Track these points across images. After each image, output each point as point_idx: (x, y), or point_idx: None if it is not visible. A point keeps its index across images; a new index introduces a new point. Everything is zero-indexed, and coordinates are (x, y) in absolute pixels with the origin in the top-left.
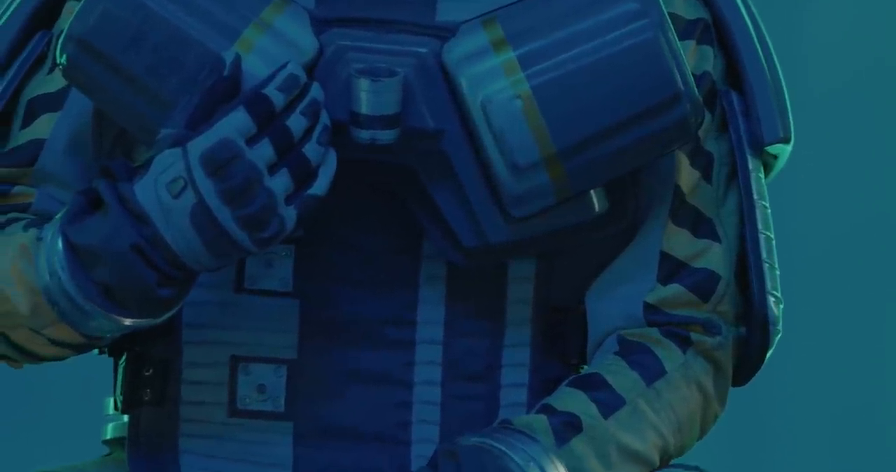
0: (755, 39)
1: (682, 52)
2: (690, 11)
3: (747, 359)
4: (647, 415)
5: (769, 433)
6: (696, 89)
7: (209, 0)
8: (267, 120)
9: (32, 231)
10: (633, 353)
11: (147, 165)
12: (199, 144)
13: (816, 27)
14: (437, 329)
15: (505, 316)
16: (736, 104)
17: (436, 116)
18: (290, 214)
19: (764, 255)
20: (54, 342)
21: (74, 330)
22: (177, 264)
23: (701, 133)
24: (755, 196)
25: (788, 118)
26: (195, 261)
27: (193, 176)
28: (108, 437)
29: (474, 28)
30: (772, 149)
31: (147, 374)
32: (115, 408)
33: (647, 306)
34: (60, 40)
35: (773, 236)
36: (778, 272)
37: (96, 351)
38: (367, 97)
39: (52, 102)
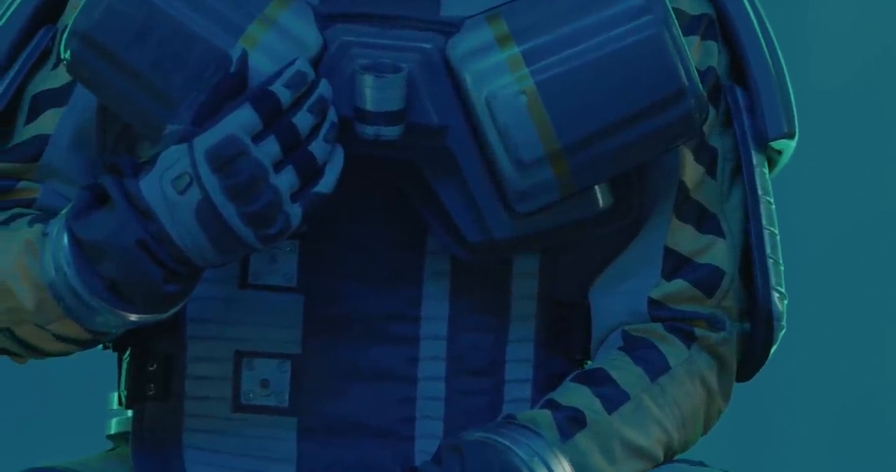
0: (759, 35)
1: (686, 47)
2: (695, 7)
3: (751, 355)
4: (651, 410)
5: (773, 428)
6: (700, 85)
7: None
8: (273, 117)
9: (38, 226)
10: (638, 348)
11: (153, 160)
12: (205, 141)
13: (820, 23)
14: (440, 325)
15: (509, 312)
16: (740, 100)
17: (440, 112)
18: (295, 211)
19: (768, 250)
20: (59, 338)
21: (80, 326)
22: (182, 260)
23: (705, 129)
24: (759, 192)
25: (793, 114)
26: (200, 257)
27: (199, 172)
28: (113, 432)
29: (479, 24)
30: (776, 144)
31: (151, 369)
32: (120, 403)
33: (652, 302)
34: (65, 36)
35: (777, 231)
36: (782, 268)
37: (100, 346)
38: (371, 93)
39: (56, 98)
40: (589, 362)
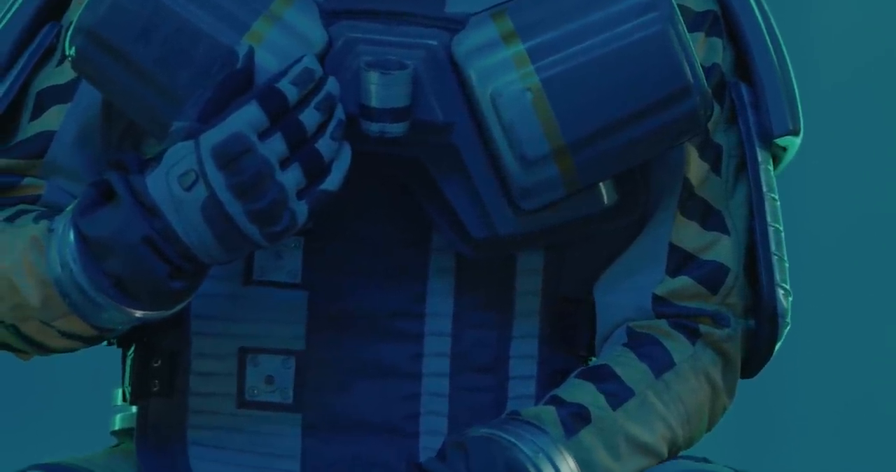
0: (764, 31)
1: (691, 44)
2: (699, 3)
3: (756, 351)
4: (656, 407)
5: (777, 425)
6: (705, 82)
7: None
8: (279, 114)
9: (43, 223)
10: (642, 345)
11: (159, 157)
12: (211, 138)
13: (825, 19)
14: (445, 321)
15: (513, 308)
16: (745, 96)
17: (445, 109)
18: (301, 208)
19: (773, 247)
20: (64, 334)
21: (85, 322)
22: (188, 257)
23: (710, 125)
24: (764, 188)
25: (797, 110)
26: (206, 254)
27: (205, 169)
28: (117, 428)
29: (484, 20)
30: (781, 141)
31: (156, 365)
32: (124, 399)
33: (656, 298)
34: (70, 32)
35: (782, 228)
36: (787, 265)
37: (105, 342)
38: (376, 90)
39: (61, 94)
40: (593, 359)
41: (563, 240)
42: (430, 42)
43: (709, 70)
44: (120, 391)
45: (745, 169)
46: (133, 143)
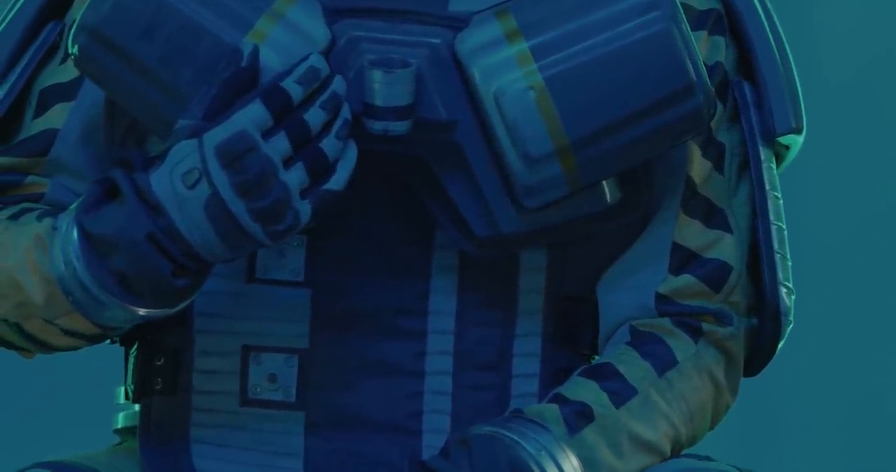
0: (767, 30)
1: (694, 42)
2: (702, 2)
3: (759, 350)
4: (659, 405)
5: (780, 423)
6: (708, 80)
7: None
8: (284, 113)
9: (47, 221)
10: (645, 343)
11: (163, 155)
12: (215, 136)
13: (828, 18)
14: (448, 319)
15: (516, 306)
16: (748, 95)
17: (449, 107)
18: (304, 207)
19: (776, 245)
20: (67, 333)
21: (88, 320)
22: (191, 255)
23: (713, 124)
24: (767, 187)
25: (800, 109)
26: (209, 252)
27: (208, 167)
28: (120, 426)
29: (487, 19)
30: (784, 139)
31: (159, 363)
32: (127, 397)
33: (659, 297)
34: (73, 30)
35: (784, 226)
36: (790, 263)
37: (108, 340)
38: (380, 88)
39: (64, 92)
40: (596, 357)
41: (566, 238)
42: (434, 40)
43: (712, 68)
44: (122, 389)
45: (748, 167)
46: (136, 141)
